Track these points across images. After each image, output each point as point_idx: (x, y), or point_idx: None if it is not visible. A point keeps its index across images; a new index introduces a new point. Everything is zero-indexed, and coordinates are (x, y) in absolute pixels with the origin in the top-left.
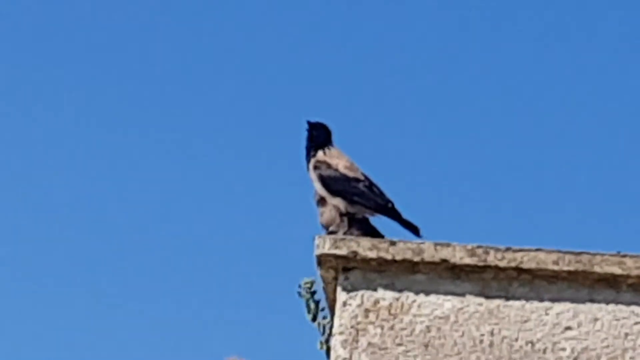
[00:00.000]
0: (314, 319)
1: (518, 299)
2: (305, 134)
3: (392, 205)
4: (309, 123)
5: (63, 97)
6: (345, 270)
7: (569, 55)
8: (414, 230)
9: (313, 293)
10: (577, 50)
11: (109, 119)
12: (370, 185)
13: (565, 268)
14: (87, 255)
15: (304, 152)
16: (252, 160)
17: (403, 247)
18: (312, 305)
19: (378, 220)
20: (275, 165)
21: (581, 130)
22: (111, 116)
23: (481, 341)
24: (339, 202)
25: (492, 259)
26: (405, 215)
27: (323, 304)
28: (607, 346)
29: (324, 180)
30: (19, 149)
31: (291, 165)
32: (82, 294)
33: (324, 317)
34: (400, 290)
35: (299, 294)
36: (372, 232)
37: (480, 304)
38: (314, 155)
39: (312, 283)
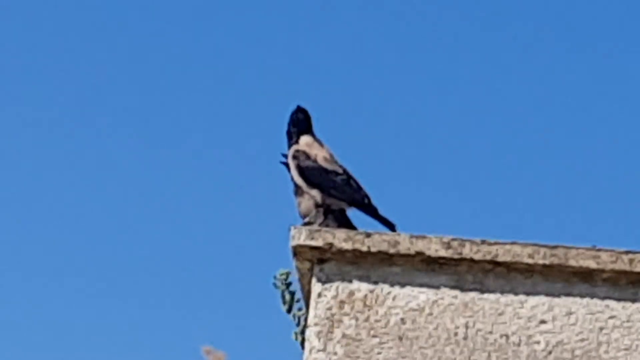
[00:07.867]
0: (289, 310)
1: (493, 291)
2: (285, 119)
3: (369, 200)
4: (297, 109)
5: (49, 96)
6: (321, 261)
7: (529, 46)
8: (390, 226)
9: (289, 284)
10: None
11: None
12: (348, 178)
13: (541, 261)
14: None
15: (282, 139)
16: (228, 149)
17: (378, 239)
18: (288, 297)
19: (354, 215)
20: (253, 154)
21: (557, 123)
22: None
23: (456, 334)
24: (315, 194)
25: (467, 251)
26: (381, 210)
27: (298, 295)
28: (582, 340)
29: (302, 171)
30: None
31: (269, 154)
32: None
33: (300, 309)
34: (375, 282)
35: (275, 285)
36: (347, 224)
37: (455, 297)
38: (295, 143)
39: (287, 274)
